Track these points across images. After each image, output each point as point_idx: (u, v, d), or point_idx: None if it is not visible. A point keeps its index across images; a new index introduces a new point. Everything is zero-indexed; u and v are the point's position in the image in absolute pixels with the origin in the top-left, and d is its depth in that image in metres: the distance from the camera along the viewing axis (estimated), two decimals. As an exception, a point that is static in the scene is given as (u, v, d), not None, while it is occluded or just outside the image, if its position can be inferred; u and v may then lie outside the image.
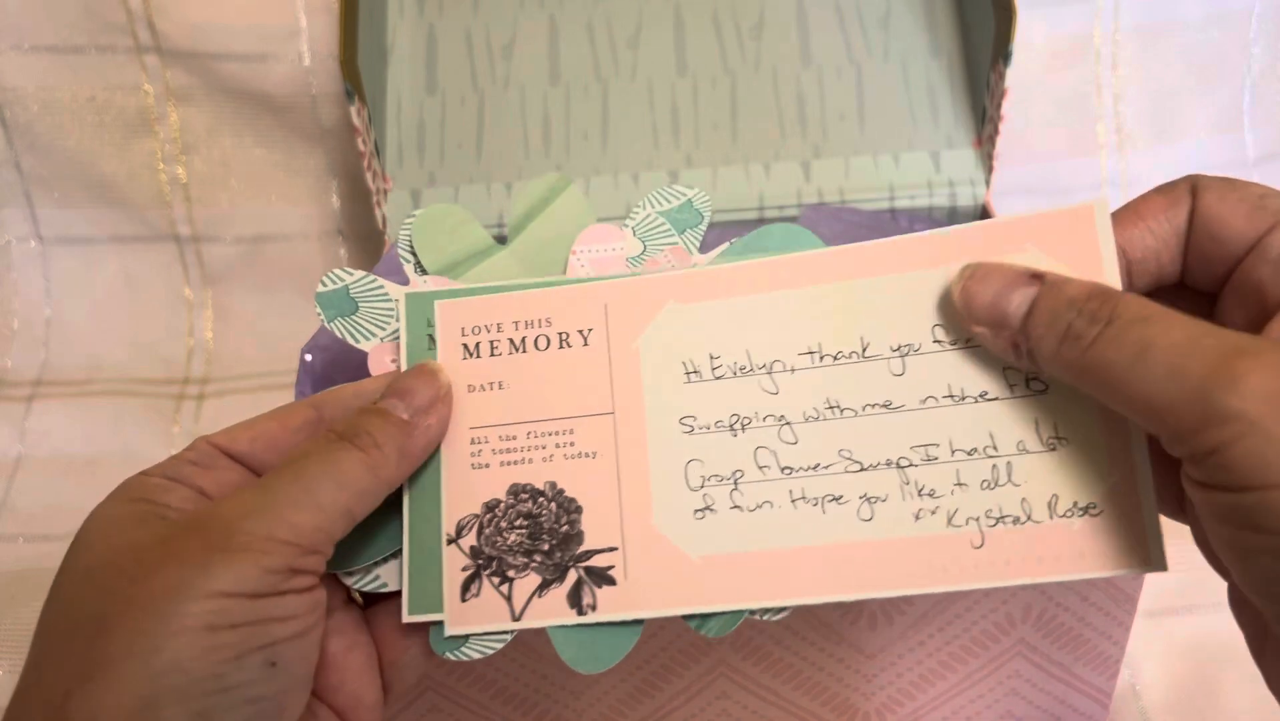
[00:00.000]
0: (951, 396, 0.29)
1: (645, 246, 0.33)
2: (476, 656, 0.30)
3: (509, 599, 0.30)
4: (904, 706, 0.41)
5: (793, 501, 0.29)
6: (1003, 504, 0.28)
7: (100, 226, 0.64)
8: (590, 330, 0.31)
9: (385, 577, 0.31)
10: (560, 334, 0.32)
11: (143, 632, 0.24)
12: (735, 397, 0.30)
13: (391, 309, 0.33)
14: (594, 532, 0.30)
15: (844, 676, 0.39)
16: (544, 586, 0.30)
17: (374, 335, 0.33)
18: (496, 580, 0.30)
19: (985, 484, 0.29)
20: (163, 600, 0.24)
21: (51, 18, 0.60)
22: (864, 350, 0.30)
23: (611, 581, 0.30)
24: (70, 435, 0.60)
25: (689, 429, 0.30)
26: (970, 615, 0.37)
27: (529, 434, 0.31)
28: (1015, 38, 0.50)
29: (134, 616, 0.24)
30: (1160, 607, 0.48)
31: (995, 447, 0.29)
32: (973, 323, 0.28)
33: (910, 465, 0.29)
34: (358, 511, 0.28)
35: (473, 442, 0.31)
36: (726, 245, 0.33)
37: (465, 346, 0.32)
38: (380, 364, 0.32)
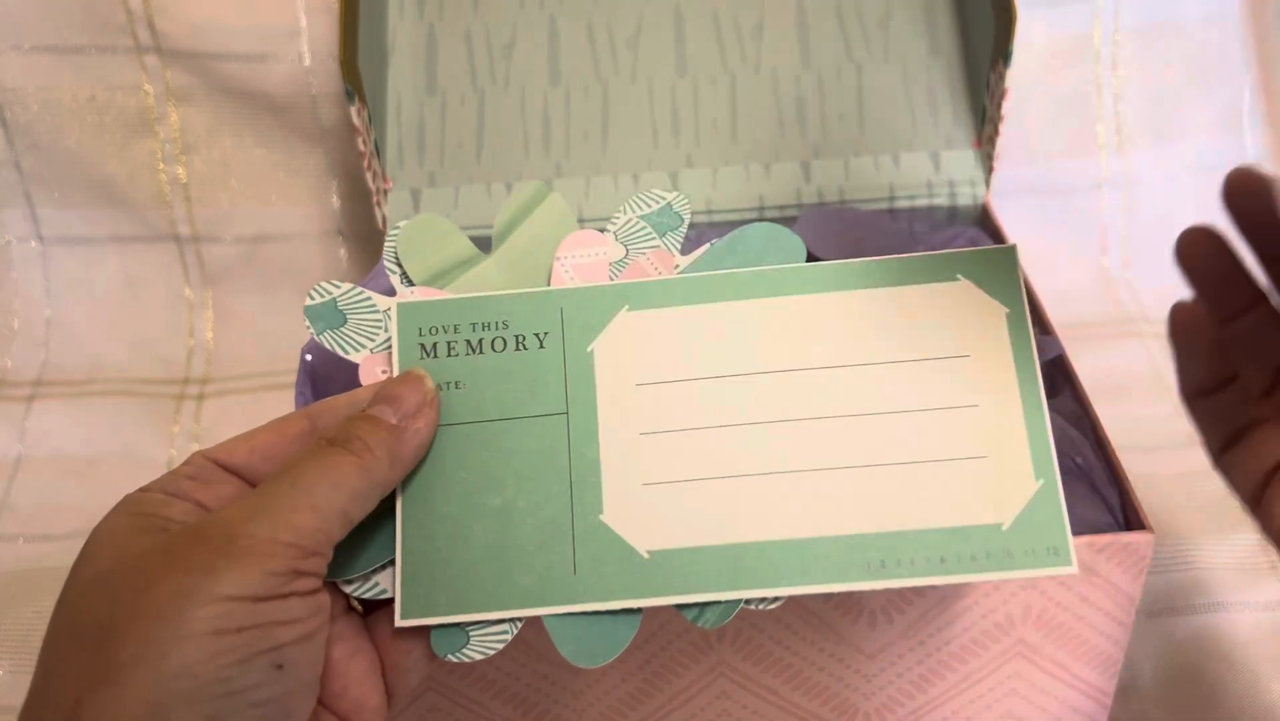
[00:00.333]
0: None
1: (628, 250, 0.34)
2: (478, 657, 0.30)
3: None
4: (904, 706, 0.41)
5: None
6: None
7: (100, 226, 0.64)
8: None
9: (384, 584, 0.31)
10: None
11: (151, 639, 0.24)
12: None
13: (379, 320, 0.33)
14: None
15: (844, 676, 0.39)
16: None
17: (363, 346, 0.33)
18: None
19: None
20: (169, 607, 0.24)
21: (51, 18, 0.60)
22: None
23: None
24: (70, 435, 0.60)
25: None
26: (970, 615, 0.37)
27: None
28: (1015, 38, 0.50)
29: (141, 623, 0.24)
30: (1160, 608, 0.48)
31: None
32: None
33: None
34: (354, 513, 0.28)
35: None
36: (707, 247, 0.34)
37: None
38: (371, 375, 0.33)
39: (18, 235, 0.64)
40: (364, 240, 0.64)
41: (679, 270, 0.34)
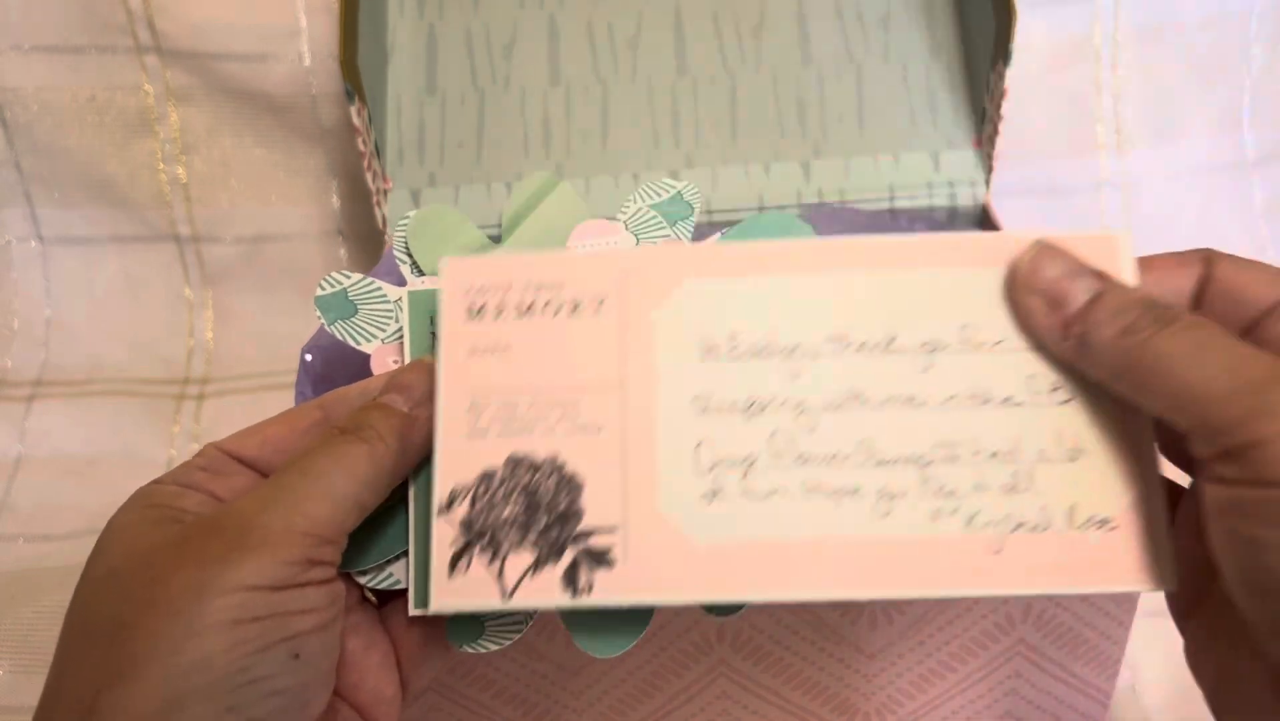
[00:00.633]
0: (975, 397, 0.29)
1: (638, 240, 0.34)
2: (494, 648, 0.30)
3: (500, 576, 0.29)
4: (904, 706, 0.41)
5: (806, 492, 0.28)
6: (1023, 510, 0.28)
7: (100, 226, 0.64)
8: (603, 300, 0.30)
9: (398, 575, 0.31)
10: (573, 300, 0.30)
11: (167, 633, 0.24)
12: (753, 379, 0.29)
13: (390, 310, 0.33)
14: (594, 511, 0.29)
15: (844, 676, 0.39)
16: (538, 565, 0.29)
17: (375, 337, 0.33)
18: (488, 556, 0.29)
19: (1006, 488, 0.28)
20: (185, 599, 0.24)
21: (51, 18, 0.60)
22: (890, 342, 0.29)
23: (610, 564, 0.29)
24: (70, 435, 0.60)
25: (702, 408, 0.29)
26: (970, 615, 0.37)
27: (531, 403, 0.30)
28: (1015, 38, 0.50)
29: (157, 617, 0.24)
30: (1160, 608, 0.47)
31: (1017, 453, 0.28)
32: (1029, 293, 0.28)
33: (930, 463, 0.28)
34: (367, 502, 0.28)
35: (471, 409, 0.30)
36: (717, 236, 0.34)
37: (470, 307, 0.30)
38: (383, 365, 0.33)
39: (18, 235, 0.64)
40: (364, 240, 0.64)
41: None
